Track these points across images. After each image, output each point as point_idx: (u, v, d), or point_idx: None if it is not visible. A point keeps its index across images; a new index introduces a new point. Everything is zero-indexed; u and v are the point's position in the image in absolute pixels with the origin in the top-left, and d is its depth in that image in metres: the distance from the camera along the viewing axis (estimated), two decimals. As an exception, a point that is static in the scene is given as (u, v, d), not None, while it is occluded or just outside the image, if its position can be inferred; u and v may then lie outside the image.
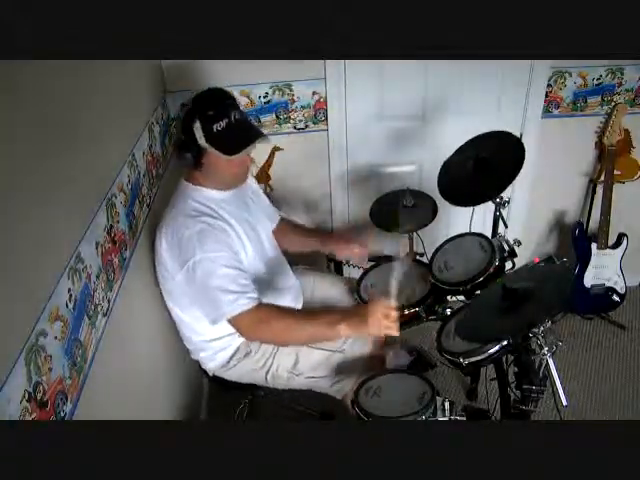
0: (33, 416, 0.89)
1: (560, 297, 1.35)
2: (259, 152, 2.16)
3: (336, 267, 2.25)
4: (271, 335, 1.51)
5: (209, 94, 1.49)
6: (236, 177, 1.56)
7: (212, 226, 1.46)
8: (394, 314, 1.41)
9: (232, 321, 1.45)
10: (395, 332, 1.41)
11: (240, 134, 1.45)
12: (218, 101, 1.46)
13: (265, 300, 1.63)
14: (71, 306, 1.07)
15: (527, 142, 2.00)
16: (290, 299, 1.76)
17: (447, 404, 1.41)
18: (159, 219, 1.54)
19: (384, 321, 1.39)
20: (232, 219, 1.54)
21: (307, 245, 1.89)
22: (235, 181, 1.58)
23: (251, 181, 1.77)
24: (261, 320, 1.44)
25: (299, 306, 1.81)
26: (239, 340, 1.65)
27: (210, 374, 1.74)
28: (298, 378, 1.65)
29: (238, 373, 1.68)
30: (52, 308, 0.99)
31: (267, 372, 1.65)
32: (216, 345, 1.64)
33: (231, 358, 1.66)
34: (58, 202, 1.08)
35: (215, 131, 1.41)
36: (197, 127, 1.41)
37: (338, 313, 1.48)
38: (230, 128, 1.43)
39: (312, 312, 1.54)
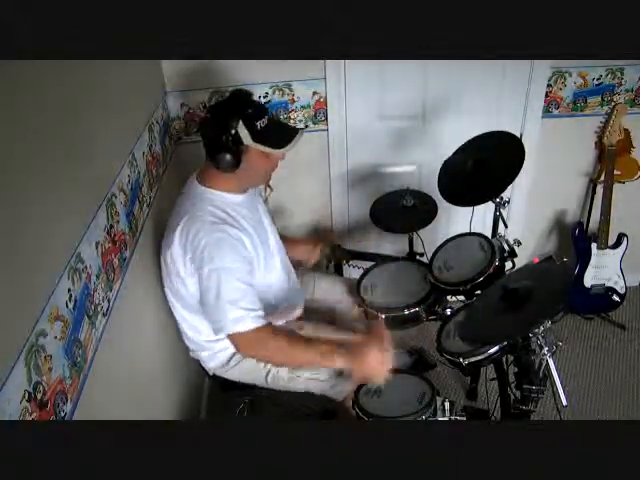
0: (33, 416, 0.89)
1: (560, 297, 1.35)
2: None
3: (336, 267, 2.25)
4: (266, 356, 1.54)
5: (241, 95, 1.49)
6: (267, 174, 1.60)
7: (230, 235, 1.44)
8: (389, 363, 1.42)
9: (232, 337, 1.45)
10: (380, 380, 1.43)
11: (281, 129, 1.49)
12: (252, 100, 1.49)
13: (268, 300, 1.62)
14: (71, 306, 1.07)
15: (527, 142, 2.00)
16: (293, 299, 1.77)
17: (447, 404, 1.41)
18: (163, 220, 1.53)
19: (378, 368, 1.41)
20: (247, 224, 1.53)
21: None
22: (264, 179, 1.62)
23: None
24: (259, 341, 1.44)
25: (301, 306, 1.81)
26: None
27: (210, 373, 1.74)
28: (298, 379, 1.64)
29: (238, 373, 1.68)
30: (52, 308, 0.99)
31: (267, 373, 1.65)
32: (219, 345, 1.64)
33: (231, 358, 1.66)
34: (58, 202, 1.08)
35: (259, 128, 1.42)
36: (241, 127, 1.40)
37: (336, 345, 1.45)
38: (272, 124, 1.46)
39: (310, 340, 1.50)
